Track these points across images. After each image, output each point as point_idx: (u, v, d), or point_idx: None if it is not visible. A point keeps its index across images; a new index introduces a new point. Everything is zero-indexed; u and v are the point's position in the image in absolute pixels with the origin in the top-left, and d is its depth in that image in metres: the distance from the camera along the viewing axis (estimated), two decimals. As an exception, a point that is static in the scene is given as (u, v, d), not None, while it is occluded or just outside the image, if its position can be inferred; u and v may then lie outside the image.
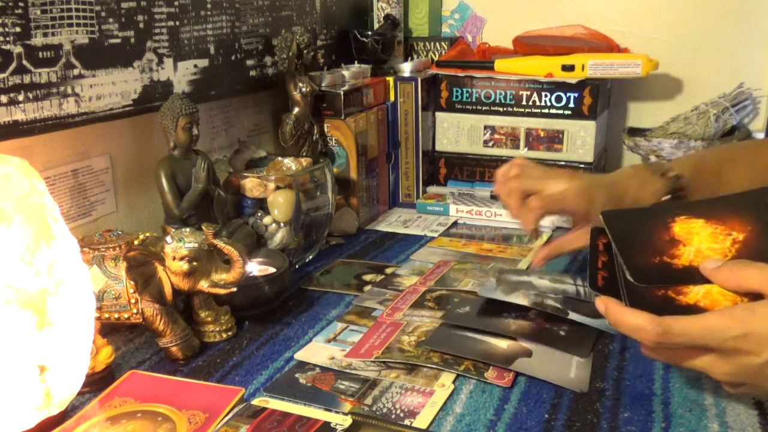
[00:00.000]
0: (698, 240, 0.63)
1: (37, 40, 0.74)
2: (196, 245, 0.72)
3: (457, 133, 1.30)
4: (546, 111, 1.23)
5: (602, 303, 0.60)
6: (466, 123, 1.29)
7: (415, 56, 1.43)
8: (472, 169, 1.31)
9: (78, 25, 0.78)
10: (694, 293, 0.59)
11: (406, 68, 1.28)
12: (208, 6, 0.98)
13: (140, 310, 0.73)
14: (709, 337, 0.54)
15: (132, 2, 0.85)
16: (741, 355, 0.54)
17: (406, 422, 0.62)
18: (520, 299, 0.81)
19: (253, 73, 1.09)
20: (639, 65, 1.18)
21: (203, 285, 0.73)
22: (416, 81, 1.23)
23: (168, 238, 0.72)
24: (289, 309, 0.86)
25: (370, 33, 1.28)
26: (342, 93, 1.11)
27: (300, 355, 0.74)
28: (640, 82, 1.34)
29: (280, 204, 0.94)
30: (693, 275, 0.61)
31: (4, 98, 0.71)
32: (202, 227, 0.73)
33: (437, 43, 1.42)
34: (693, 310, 0.58)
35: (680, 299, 0.60)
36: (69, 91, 0.78)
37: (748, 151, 0.90)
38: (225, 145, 1.10)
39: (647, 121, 1.34)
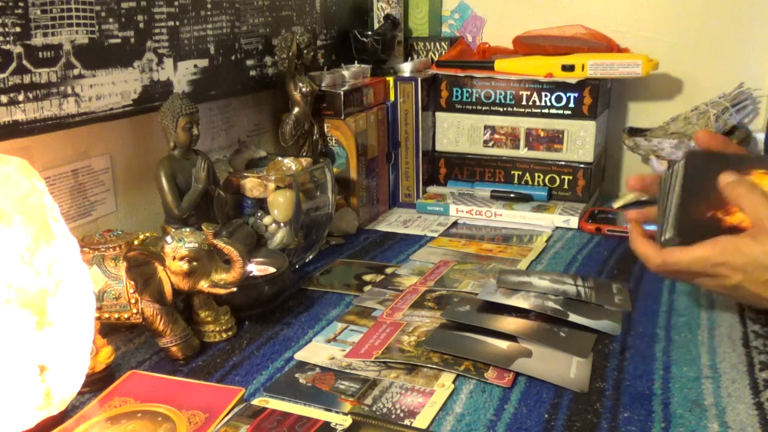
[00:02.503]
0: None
1: (37, 40, 0.74)
2: (196, 245, 0.72)
3: (457, 133, 1.30)
4: (546, 111, 1.23)
5: (630, 226, 0.77)
6: (466, 123, 1.29)
7: (415, 56, 1.43)
8: (472, 169, 1.31)
9: (78, 25, 0.78)
10: (739, 214, 0.69)
11: (406, 68, 1.28)
12: (208, 6, 0.98)
13: (140, 310, 0.73)
14: (696, 265, 0.70)
15: (132, 2, 0.85)
16: (719, 277, 0.69)
17: (406, 422, 0.62)
18: (520, 302, 0.81)
19: (253, 73, 1.09)
20: (639, 65, 1.18)
21: (203, 285, 0.73)
22: (416, 81, 1.23)
23: (168, 238, 0.72)
24: (289, 309, 0.86)
25: (370, 33, 1.28)
26: (342, 93, 1.11)
27: (300, 355, 0.74)
28: (640, 82, 1.33)
29: (280, 204, 0.94)
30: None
31: (4, 98, 0.71)
32: (202, 227, 0.73)
33: (437, 43, 1.42)
34: (736, 230, 0.69)
35: (726, 220, 0.69)
36: (69, 91, 0.78)
37: None
38: (225, 145, 1.10)
39: (647, 121, 1.34)
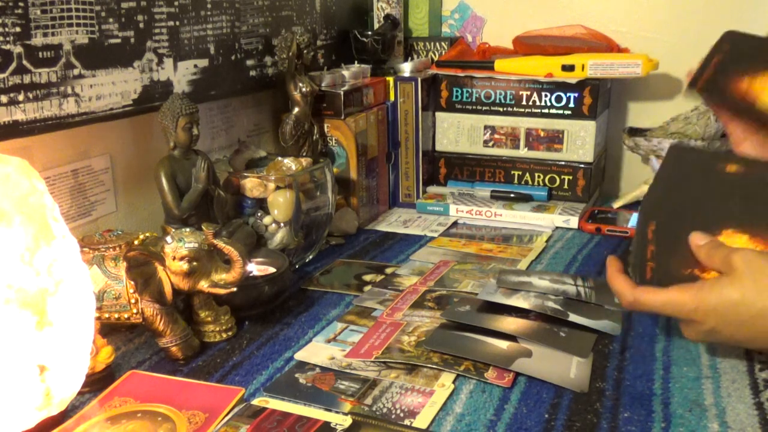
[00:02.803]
0: None
1: (37, 40, 0.74)
2: (196, 245, 0.72)
3: (457, 133, 1.30)
4: (546, 111, 1.23)
5: (608, 261, 0.73)
6: (466, 123, 1.29)
7: (415, 56, 1.43)
8: (472, 169, 1.31)
9: (78, 25, 0.78)
10: (714, 273, 0.66)
11: (406, 68, 1.28)
12: (208, 6, 0.98)
13: (140, 310, 0.73)
14: (668, 309, 0.67)
15: (132, 2, 0.85)
16: (692, 323, 0.66)
17: (406, 422, 0.62)
18: (520, 302, 0.81)
19: (253, 73, 1.09)
20: (639, 65, 1.17)
21: (203, 285, 0.73)
22: (416, 81, 1.23)
23: (168, 238, 0.72)
24: (289, 309, 0.86)
25: (370, 33, 1.28)
26: (342, 93, 1.11)
27: (300, 355, 0.74)
28: (640, 82, 1.33)
29: (280, 204, 0.94)
30: None
31: (4, 98, 0.71)
32: (202, 227, 0.73)
33: (437, 43, 1.42)
34: None
35: (704, 276, 0.67)
36: (69, 91, 0.78)
37: None
38: (225, 145, 1.10)
39: (647, 121, 1.34)
